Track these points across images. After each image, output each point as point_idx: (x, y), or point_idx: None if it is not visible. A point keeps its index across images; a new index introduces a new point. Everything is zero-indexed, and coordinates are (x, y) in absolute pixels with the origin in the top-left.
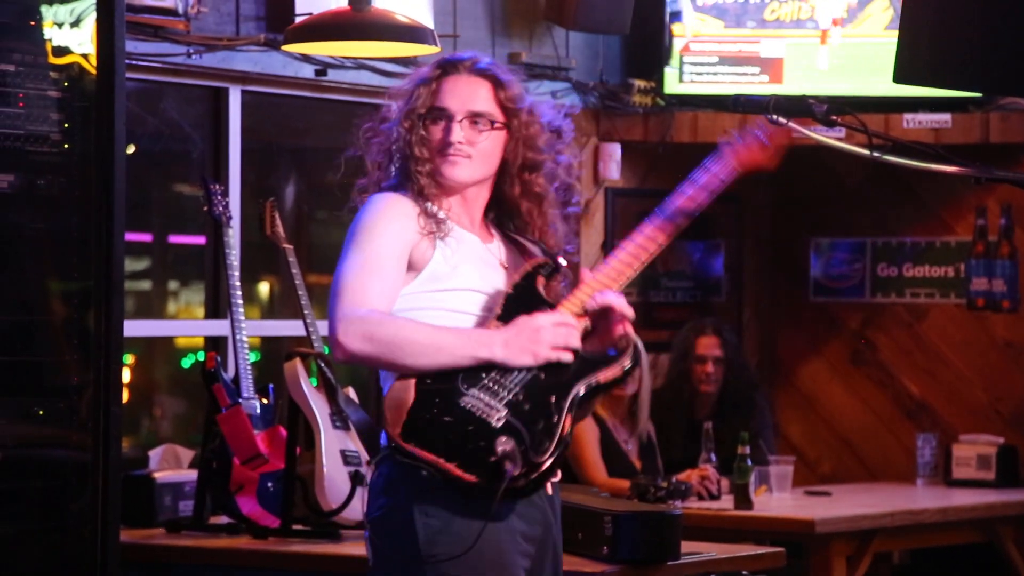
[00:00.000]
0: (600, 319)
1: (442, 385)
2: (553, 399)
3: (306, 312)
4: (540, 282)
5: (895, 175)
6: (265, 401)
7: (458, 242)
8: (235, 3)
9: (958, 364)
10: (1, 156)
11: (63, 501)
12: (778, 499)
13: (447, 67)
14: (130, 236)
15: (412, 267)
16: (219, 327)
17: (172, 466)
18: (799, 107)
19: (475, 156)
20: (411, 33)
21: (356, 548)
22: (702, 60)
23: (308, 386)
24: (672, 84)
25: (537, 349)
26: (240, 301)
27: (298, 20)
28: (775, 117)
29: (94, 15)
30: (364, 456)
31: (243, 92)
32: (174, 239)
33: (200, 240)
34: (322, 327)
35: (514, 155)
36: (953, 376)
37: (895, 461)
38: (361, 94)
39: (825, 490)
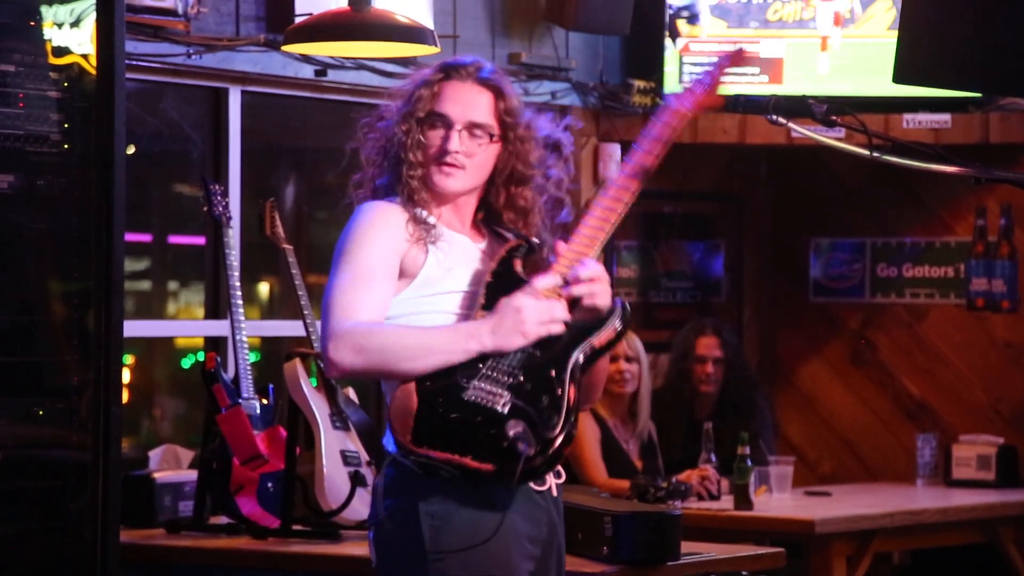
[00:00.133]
0: (585, 296)
1: (442, 384)
2: (553, 373)
3: (306, 312)
4: (517, 264)
5: (895, 175)
6: (265, 401)
7: (450, 245)
8: (235, 3)
9: (958, 364)
10: (1, 156)
11: (63, 501)
12: (778, 499)
13: (450, 72)
14: (130, 236)
15: (404, 274)
16: (219, 327)
17: (172, 466)
18: (799, 107)
19: (469, 167)
20: (411, 33)
21: (356, 548)
22: (701, 60)
23: (308, 386)
24: (672, 84)
25: (525, 328)
26: (240, 301)
27: (298, 20)
28: (774, 117)
29: (94, 15)
30: (364, 456)
31: (243, 92)
32: (174, 239)
33: (200, 240)
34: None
35: (504, 166)
36: (953, 376)
37: (895, 461)
38: (361, 94)
39: (825, 490)
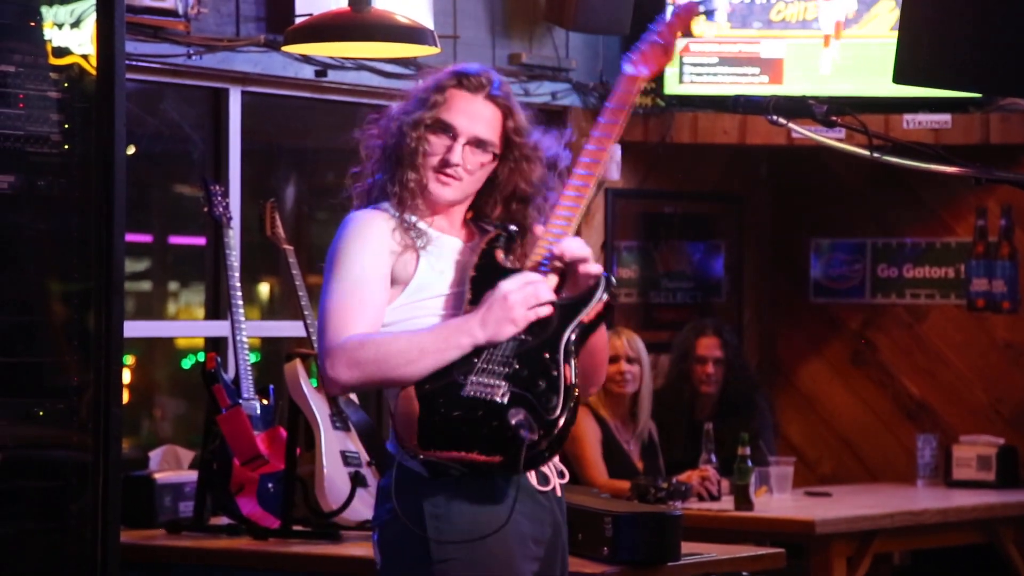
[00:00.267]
0: (567, 265)
1: (441, 384)
2: (547, 355)
3: (306, 313)
4: (499, 254)
5: (895, 176)
6: (265, 402)
7: (441, 248)
8: (235, 4)
9: (958, 365)
10: (1, 157)
11: (63, 502)
12: (778, 500)
13: (463, 81)
14: (130, 237)
15: (396, 281)
16: (219, 328)
17: (172, 467)
18: (799, 108)
19: (465, 180)
20: (411, 34)
21: (356, 549)
22: (702, 61)
23: (308, 387)
24: (672, 85)
25: (513, 315)
26: (240, 302)
27: (298, 21)
28: (775, 118)
29: (94, 16)
30: (364, 457)
31: (243, 93)
32: (174, 240)
33: (200, 241)
34: None
35: (506, 182)
36: (953, 377)
37: (895, 462)
38: (361, 95)
39: (825, 491)
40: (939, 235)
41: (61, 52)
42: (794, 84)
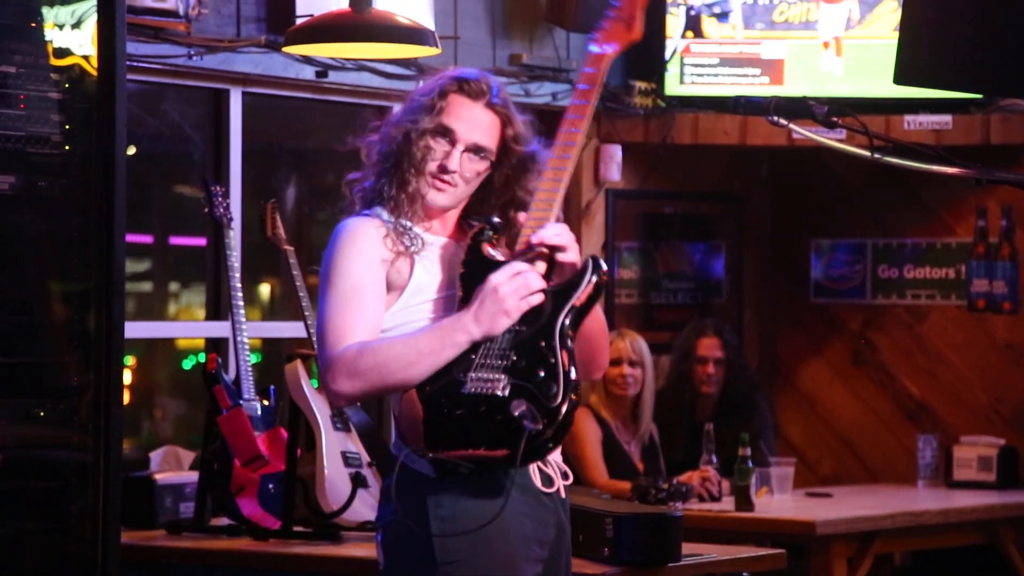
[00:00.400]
0: (554, 251)
1: (442, 384)
2: (543, 344)
3: (307, 314)
4: (486, 248)
5: (896, 176)
6: (266, 403)
7: (435, 250)
8: (236, 5)
9: (959, 365)
10: (2, 158)
11: (64, 502)
12: (779, 500)
13: (463, 87)
14: (131, 237)
15: (392, 287)
16: (220, 328)
17: (173, 467)
18: (800, 108)
19: (460, 186)
20: (412, 35)
21: (357, 550)
22: (703, 62)
23: (309, 388)
24: (673, 86)
25: (506, 307)
26: (241, 303)
27: (299, 22)
28: (775, 118)
29: (95, 17)
30: (365, 458)
31: (244, 94)
32: (175, 240)
33: (201, 241)
34: None
35: (503, 189)
36: (954, 377)
37: (896, 462)
38: (362, 96)
39: (826, 491)
40: (940, 236)
41: (62, 53)
42: (795, 85)
